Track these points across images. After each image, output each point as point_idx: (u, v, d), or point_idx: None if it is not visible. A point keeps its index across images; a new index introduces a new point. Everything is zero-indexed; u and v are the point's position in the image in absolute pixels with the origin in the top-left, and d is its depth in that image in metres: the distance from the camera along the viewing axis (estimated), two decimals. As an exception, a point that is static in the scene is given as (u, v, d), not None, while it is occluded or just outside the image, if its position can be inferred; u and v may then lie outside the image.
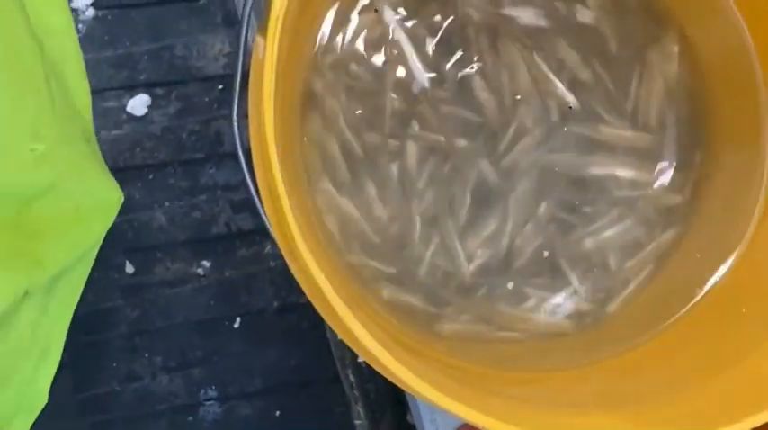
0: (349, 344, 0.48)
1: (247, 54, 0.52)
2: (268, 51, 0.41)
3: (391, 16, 0.63)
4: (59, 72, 0.50)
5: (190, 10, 0.86)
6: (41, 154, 0.41)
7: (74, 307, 0.52)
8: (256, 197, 0.55)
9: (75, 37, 0.52)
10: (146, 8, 0.85)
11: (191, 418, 0.84)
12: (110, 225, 0.53)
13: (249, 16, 0.50)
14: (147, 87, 0.84)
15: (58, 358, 0.52)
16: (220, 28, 0.86)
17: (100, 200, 0.51)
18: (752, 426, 0.46)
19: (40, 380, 0.50)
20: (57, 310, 0.49)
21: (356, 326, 0.42)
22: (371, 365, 0.47)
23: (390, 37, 0.63)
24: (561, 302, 0.65)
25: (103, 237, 0.53)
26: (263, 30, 0.44)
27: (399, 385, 0.46)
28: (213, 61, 0.86)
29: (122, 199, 0.54)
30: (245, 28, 0.51)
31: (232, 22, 0.86)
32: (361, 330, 0.42)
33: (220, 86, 0.86)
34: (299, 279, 0.49)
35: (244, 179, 0.85)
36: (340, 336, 0.48)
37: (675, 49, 0.66)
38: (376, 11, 0.63)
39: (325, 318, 0.48)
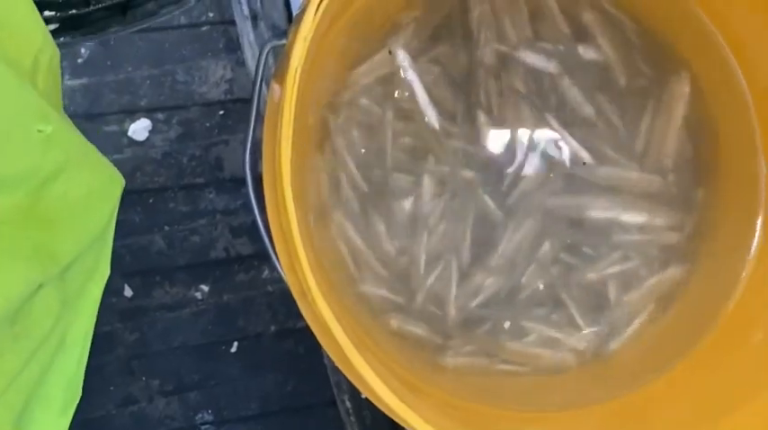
0: (357, 385, 0.49)
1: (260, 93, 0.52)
2: (287, 104, 0.42)
3: (403, 57, 0.63)
4: (51, 64, 0.49)
5: (192, 36, 0.86)
6: (50, 135, 0.41)
7: (94, 296, 0.51)
8: (264, 229, 0.55)
9: (47, 33, 0.52)
10: (147, 33, 0.85)
11: (187, 442, 0.84)
12: (116, 209, 0.52)
13: (267, 59, 0.51)
14: (149, 112, 0.85)
15: (80, 348, 0.51)
16: (222, 54, 0.87)
17: (106, 186, 0.51)
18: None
19: (65, 373, 0.50)
20: (73, 299, 0.49)
21: (369, 373, 0.43)
22: (376, 404, 0.48)
23: (403, 77, 0.64)
24: (564, 337, 0.66)
25: (113, 221, 0.53)
26: (279, 78, 0.45)
27: (406, 426, 0.46)
28: (214, 87, 0.86)
29: (124, 184, 0.54)
30: (261, 67, 0.52)
31: (234, 48, 0.86)
32: (374, 377, 0.43)
33: (221, 112, 0.86)
34: (308, 319, 0.49)
35: (244, 204, 0.87)
36: (349, 378, 0.49)
37: (687, 89, 0.67)
38: (390, 52, 0.64)
39: (336, 362, 0.48)
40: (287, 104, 0.43)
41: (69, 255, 0.46)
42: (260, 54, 0.51)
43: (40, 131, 0.41)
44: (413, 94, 0.64)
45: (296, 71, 0.43)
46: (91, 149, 0.50)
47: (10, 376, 0.43)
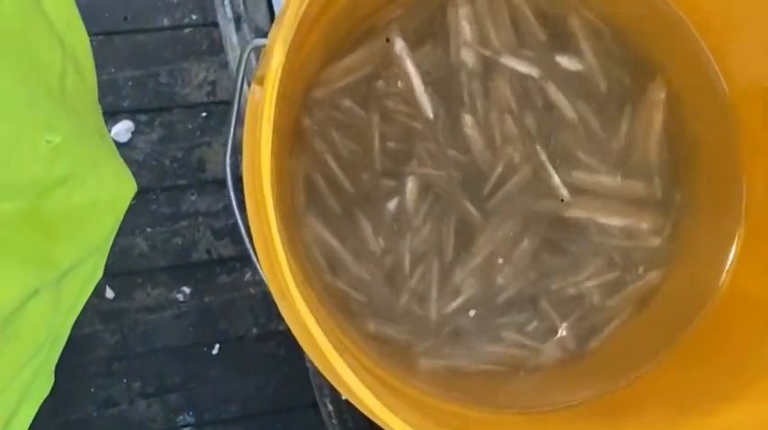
0: (337, 387, 0.49)
1: (241, 96, 0.53)
2: (267, 105, 0.42)
3: (401, 46, 0.64)
4: (80, 67, 0.50)
5: (175, 38, 0.86)
6: (57, 146, 0.41)
7: (86, 298, 0.52)
8: (244, 231, 0.55)
9: (86, 35, 0.52)
10: (130, 35, 0.85)
11: (168, 444, 0.84)
12: (121, 218, 0.52)
13: (248, 59, 0.51)
14: (131, 114, 0.85)
15: (63, 344, 0.52)
16: (205, 56, 0.87)
17: (113, 194, 0.51)
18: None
19: (47, 367, 0.50)
20: (69, 304, 0.49)
21: (348, 374, 0.43)
22: (356, 405, 0.48)
23: (395, 69, 0.64)
24: (544, 337, 0.66)
25: (116, 230, 0.53)
26: (259, 79, 0.45)
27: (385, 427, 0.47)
28: (197, 89, 0.86)
29: (136, 189, 0.54)
30: (241, 70, 0.52)
31: (217, 50, 0.86)
32: (353, 378, 0.43)
33: (204, 114, 0.86)
34: (288, 319, 0.50)
35: (226, 206, 0.86)
36: (329, 380, 0.49)
37: (662, 95, 0.67)
38: (387, 40, 0.64)
39: (315, 362, 0.49)
40: (267, 106, 0.43)
41: (68, 261, 0.47)
42: (241, 54, 0.51)
43: (48, 142, 0.41)
44: (408, 84, 0.64)
45: (276, 73, 0.43)
46: (103, 158, 0.50)
47: (4, 378, 0.43)
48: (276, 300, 0.49)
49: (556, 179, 0.65)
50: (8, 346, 0.43)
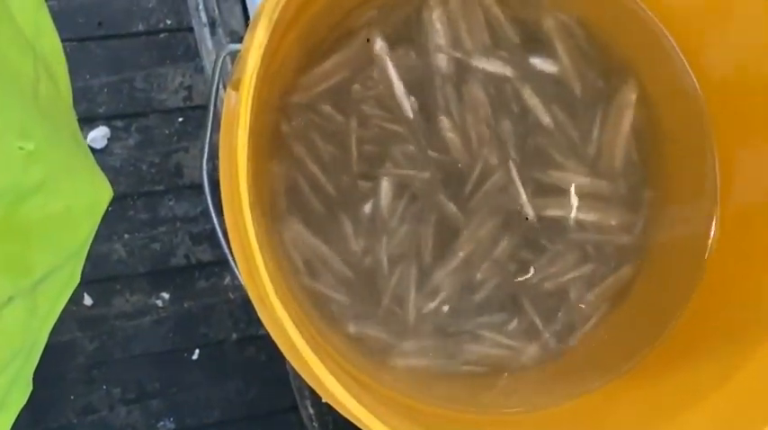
0: (316, 389, 0.49)
1: (218, 100, 0.53)
2: (242, 110, 0.42)
3: (381, 46, 0.64)
4: (52, 72, 0.50)
5: (150, 43, 0.86)
6: (31, 152, 0.40)
7: (63, 305, 0.52)
8: (222, 236, 0.55)
9: (59, 39, 0.52)
10: (105, 41, 0.85)
11: (149, 450, 0.84)
12: (97, 224, 0.52)
13: (223, 64, 0.51)
14: (107, 120, 0.85)
15: (41, 351, 0.52)
16: (181, 61, 0.87)
17: (89, 200, 0.50)
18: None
19: (24, 375, 0.50)
20: (45, 310, 0.49)
21: (327, 376, 0.43)
22: (336, 407, 0.48)
23: (379, 68, 0.64)
24: (524, 336, 0.66)
25: (92, 236, 0.53)
26: (235, 84, 0.45)
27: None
28: (173, 94, 0.86)
29: (112, 195, 0.54)
30: (217, 75, 0.52)
31: (192, 55, 0.86)
32: (332, 380, 0.43)
33: (180, 119, 0.86)
34: (267, 324, 0.50)
35: (204, 211, 0.86)
36: (308, 382, 0.49)
37: (634, 97, 0.68)
38: (368, 40, 0.64)
39: (295, 366, 0.49)
40: (242, 110, 0.43)
41: (44, 268, 0.46)
42: (216, 60, 0.51)
43: (21, 149, 0.40)
44: (388, 84, 0.64)
45: (251, 78, 0.43)
46: (78, 164, 0.50)
47: None
48: (254, 305, 0.49)
49: (523, 197, 0.66)
50: None
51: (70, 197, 0.48)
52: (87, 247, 0.53)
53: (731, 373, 0.56)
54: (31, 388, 0.52)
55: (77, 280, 0.54)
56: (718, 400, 0.55)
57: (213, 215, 0.57)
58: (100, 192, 0.53)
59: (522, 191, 0.66)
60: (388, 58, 0.65)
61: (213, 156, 0.54)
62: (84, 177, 0.51)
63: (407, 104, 0.65)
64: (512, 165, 0.66)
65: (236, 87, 0.45)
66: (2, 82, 0.41)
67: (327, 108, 0.64)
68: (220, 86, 0.52)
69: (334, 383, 0.44)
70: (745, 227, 0.64)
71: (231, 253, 0.52)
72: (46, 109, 0.47)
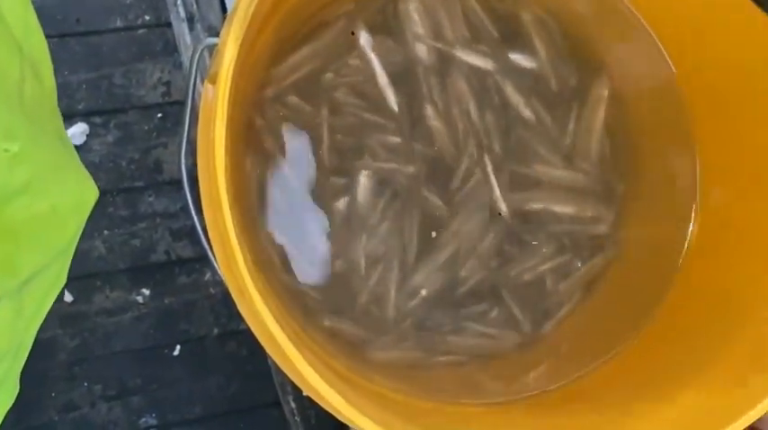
0: (295, 381, 0.49)
1: (196, 94, 0.53)
2: (219, 103, 0.42)
3: (366, 38, 0.64)
4: (38, 72, 0.49)
5: (128, 39, 0.86)
6: (15, 154, 0.40)
7: (50, 304, 0.52)
8: (204, 240, 0.55)
9: (44, 39, 0.52)
10: (83, 37, 0.85)
11: (130, 446, 0.84)
12: (84, 223, 0.52)
13: (200, 57, 0.51)
14: (86, 116, 0.84)
15: (27, 352, 0.51)
16: (159, 57, 0.86)
17: (76, 199, 0.50)
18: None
19: (11, 376, 0.50)
20: (32, 310, 0.49)
21: (307, 370, 0.44)
22: (317, 401, 0.48)
23: (362, 61, 0.64)
24: (503, 325, 0.67)
25: (79, 235, 0.53)
26: (212, 78, 0.45)
27: (344, 421, 0.47)
28: (152, 90, 0.86)
29: (98, 195, 0.54)
30: (194, 69, 0.52)
31: (171, 51, 0.86)
32: (312, 373, 0.44)
33: (159, 115, 0.86)
34: (246, 316, 0.50)
35: (183, 207, 0.86)
36: (289, 375, 0.49)
37: (605, 93, 0.69)
38: (353, 33, 0.64)
39: (274, 357, 0.49)
40: (219, 104, 0.43)
41: (30, 268, 0.46)
42: (193, 54, 0.51)
43: (6, 151, 0.40)
44: (371, 76, 0.64)
45: (228, 69, 0.43)
46: (64, 164, 0.50)
47: None
48: (234, 298, 0.50)
49: (497, 192, 0.66)
50: None
51: (56, 196, 0.48)
52: (74, 247, 0.53)
53: (700, 366, 0.56)
54: (18, 389, 0.52)
55: (64, 280, 0.54)
56: (692, 390, 0.55)
57: (192, 210, 0.57)
58: (86, 191, 0.52)
59: (495, 185, 0.66)
60: (372, 52, 0.65)
61: (192, 152, 0.54)
62: (70, 177, 0.51)
63: (392, 96, 0.65)
64: (487, 160, 0.66)
65: (214, 81, 0.45)
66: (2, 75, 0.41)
67: (294, 99, 0.64)
68: (198, 81, 0.52)
69: (313, 375, 0.45)
70: (722, 220, 0.65)
71: (210, 247, 0.52)
72: (31, 109, 0.47)
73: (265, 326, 0.45)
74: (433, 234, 0.66)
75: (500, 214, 0.66)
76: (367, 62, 0.65)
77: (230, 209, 0.45)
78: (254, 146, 0.63)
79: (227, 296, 0.84)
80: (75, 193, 0.51)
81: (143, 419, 0.84)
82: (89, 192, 0.53)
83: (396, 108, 0.65)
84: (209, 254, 0.55)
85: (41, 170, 0.45)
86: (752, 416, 0.48)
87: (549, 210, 0.67)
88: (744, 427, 0.48)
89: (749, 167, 0.63)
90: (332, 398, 0.45)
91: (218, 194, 0.44)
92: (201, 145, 0.50)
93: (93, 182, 0.54)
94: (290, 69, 0.64)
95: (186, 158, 0.58)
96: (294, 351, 0.44)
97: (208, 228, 0.51)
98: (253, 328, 0.49)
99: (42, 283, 0.49)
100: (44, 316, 0.52)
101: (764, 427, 0.67)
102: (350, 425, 0.47)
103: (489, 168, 0.66)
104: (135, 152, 0.85)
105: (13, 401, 0.51)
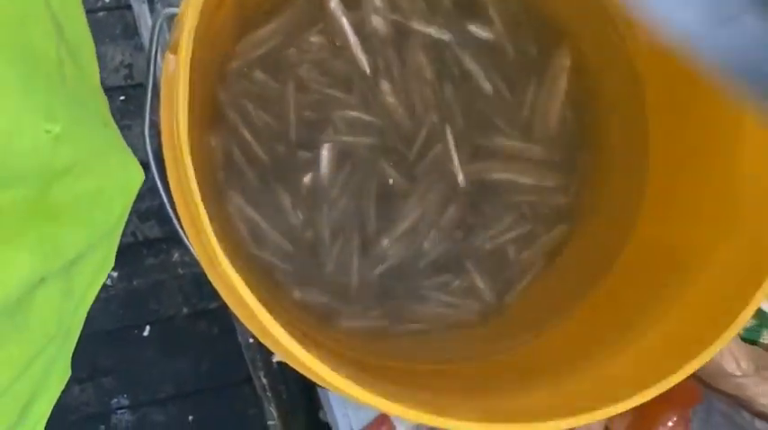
0: (269, 346, 0.50)
1: (155, 68, 0.53)
2: (181, 70, 0.43)
3: (336, 4, 0.64)
4: (77, 55, 0.49)
5: (89, 22, 0.86)
6: (58, 135, 0.41)
7: (99, 286, 0.52)
8: (170, 207, 0.56)
9: (86, 21, 0.52)
10: (43, 21, 0.84)
11: (103, 427, 0.84)
12: (130, 204, 0.53)
13: (160, 29, 0.51)
14: (48, 100, 0.84)
15: (77, 336, 0.52)
16: (120, 40, 0.87)
17: (121, 181, 0.51)
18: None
19: (62, 360, 0.50)
20: (81, 292, 0.49)
21: (278, 330, 0.44)
22: (289, 363, 0.49)
23: (334, 26, 0.65)
24: (466, 294, 0.68)
25: (126, 216, 0.53)
26: (173, 47, 0.46)
27: (315, 380, 0.48)
28: (114, 73, 0.86)
29: (143, 179, 0.54)
30: (155, 40, 0.52)
31: (131, 34, 0.86)
32: (282, 333, 0.44)
33: (122, 97, 0.86)
34: (216, 284, 0.50)
35: (150, 188, 0.86)
36: (260, 339, 0.50)
37: (567, 62, 0.70)
38: None
39: (247, 325, 0.50)
40: (182, 71, 0.44)
41: (75, 249, 0.46)
42: (153, 25, 0.51)
43: (48, 132, 0.41)
44: (345, 41, 0.65)
45: (189, 37, 0.44)
46: (108, 146, 0.50)
47: (16, 367, 0.43)
48: (205, 269, 0.50)
49: (456, 163, 0.67)
50: (18, 336, 0.43)
51: (101, 178, 0.48)
52: (121, 228, 0.54)
53: (643, 331, 0.58)
54: (70, 372, 0.52)
55: (112, 262, 0.54)
56: (632, 351, 0.57)
57: (161, 187, 0.57)
58: (131, 173, 0.53)
59: (455, 157, 0.67)
60: (343, 16, 0.65)
61: (157, 133, 0.54)
62: (115, 158, 0.51)
63: (364, 60, 0.66)
64: (448, 130, 0.67)
65: (175, 50, 0.46)
66: (27, 65, 0.41)
67: (261, 74, 0.64)
68: (159, 56, 0.53)
69: (283, 334, 0.45)
70: (672, 182, 0.66)
71: (179, 220, 0.53)
72: (72, 91, 0.47)
73: (235, 291, 0.45)
74: (396, 205, 0.66)
75: (459, 185, 0.67)
76: (338, 27, 0.65)
77: (195, 176, 0.46)
78: (218, 121, 0.63)
79: (196, 276, 0.86)
80: (120, 175, 0.51)
81: (115, 399, 0.85)
82: (135, 175, 0.53)
83: (368, 70, 0.66)
84: (178, 227, 0.55)
85: (85, 151, 0.45)
86: (693, 366, 0.50)
87: (510, 180, 0.68)
88: (688, 375, 0.50)
89: (691, 139, 0.65)
90: (300, 354, 0.45)
91: (183, 161, 0.45)
92: (165, 117, 0.50)
93: (138, 164, 0.54)
94: (253, 45, 0.65)
95: (151, 139, 0.58)
96: (263, 311, 0.45)
97: (175, 200, 0.51)
98: (223, 296, 0.50)
99: (90, 265, 0.50)
100: (93, 298, 0.52)
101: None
102: (318, 382, 0.48)
103: (450, 139, 0.67)
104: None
105: (64, 384, 0.51)
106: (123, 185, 0.51)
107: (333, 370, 0.45)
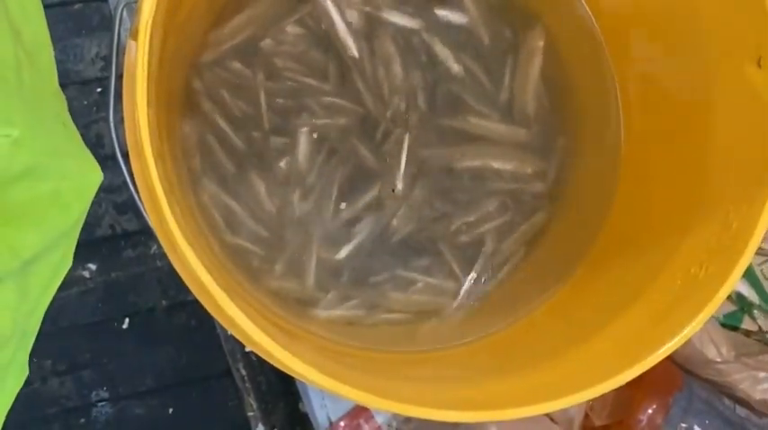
0: (234, 334, 0.49)
1: (121, 55, 0.53)
2: (140, 54, 0.43)
3: None
4: (35, 58, 0.49)
5: (65, 14, 0.86)
6: (15, 139, 0.41)
7: (55, 288, 0.52)
8: (137, 197, 0.56)
9: (45, 23, 0.52)
10: (19, 13, 0.84)
11: (83, 420, 0.84)
12: (88, 206, 0.53)
13: (122, 16, 0.51)
14: (24, 92, 0.84)
15: (35, 335, 0.52)
16: (96, 31, 0.86)
17: (78, 183, 0.51)
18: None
19: (19, 359, 0.50)
20: (37, 293, 0.49)
21: (237, 313, 0.44)
22: (256, 352, 0.48)
23: (319, 10, 0.65)
24: (444, 283, 0.68)
25: (83, 217, 0.53)
26: (134, 33, 0.46)
27: (282, 369, 0.47)
28: (90, 64, 0.86)
29: (102, 178, 0.54)
30: (117, 29, 0.52)
31: (108, 25, 0.86)
32: (243, 318, 0.44)
33: (99, 89, 0.86)
34: (180, 272, 0.50)
35: (126, 181, 0.86)
36: (226, 327, 0.50)
37: (540, 44, 0.69)
38: None
39: (210, 310, 0.49)
40: (140, 56, 0.43)
41: (31, 250, 0.46)
42: (114, 11, 0.51)
43: (6, 136, 0.41)
44: (330, 24, 0.65)
45: (147, 23, 0.44)
46: (66, 148, 0.50)
47: None
48: (167, 254, 0.50)
49: (401, 170, 0.67)
50: None
51: (58, 180, 0.48)
52: (78, 229, 0.53)
53: (616, 313, 0.58)
54: (27, 372, 0.52)
55: (69, 263, 0.54)
56: (606, 335, 0.57)
57: (128, 179, 0.57)
58: (89, 174, 0.52)
59: (403, 162, 0.66)
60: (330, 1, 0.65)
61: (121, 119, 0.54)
62: (73, 160, 0.51)
63: (352, 43, 0.66)
64: (407, 136, 0.67)
65: (136, 36, 0.45)
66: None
67: (236, 64, 0.64)
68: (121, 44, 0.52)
69: (245, 320, 0.45)
70: (646, 157, 0.66)
71: (147, 213, 0.53)
72: (30, 95, 0.47)
73: (196, 276, 0.45)
74: (366, 184, 0.66)
75: (393, 190, 0.67)
76: (324, 10, 0.65)
77: (161, 171, 0.45)
78: (192, 109, 0.63)
79: (174, 268, 0.85)
80: (78, 177, 0.51)
81: (95, 392, 0.84)
82: (93, 175, 0.53)
83: (356, 53, 0.66)
84: (148, 219, 0.55)
85: (42, 154, 0.45)
86: (670, 348, 0.50)
87: (487, 166, 0.68)
88: (664, 357, 0.50)
89: (665, 125, 0.65)
90: (261, 340, 0.45)
91: (142, 146, 0.45)
92: (127, 101, 0.50)
93: (96, 165, 0.54)
94: (227, 35, 0.65)
95: (118, 130, 0.58)
96: (225, 297, 0.45)
97: (139, 188, 0.51)
98: (187, 282, 0.50)
99: (47, 266, 0.50)
100: (50, 299, 0.52)
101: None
102: (283, 369, 0.48)
103: (405, 143, 0.67)
104: (76, 127, 0.85)
105: (21, 385, 0.51)
106: (81, 187, 0.51)
107: (294, 355, 0.45)
